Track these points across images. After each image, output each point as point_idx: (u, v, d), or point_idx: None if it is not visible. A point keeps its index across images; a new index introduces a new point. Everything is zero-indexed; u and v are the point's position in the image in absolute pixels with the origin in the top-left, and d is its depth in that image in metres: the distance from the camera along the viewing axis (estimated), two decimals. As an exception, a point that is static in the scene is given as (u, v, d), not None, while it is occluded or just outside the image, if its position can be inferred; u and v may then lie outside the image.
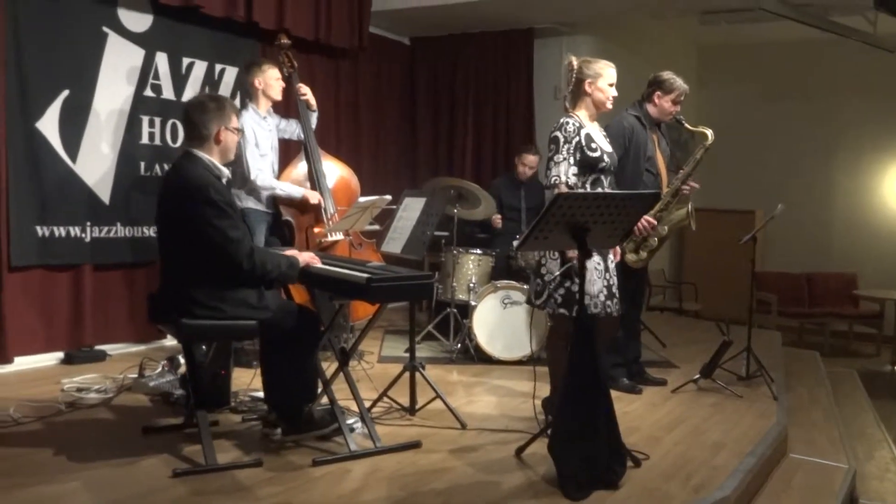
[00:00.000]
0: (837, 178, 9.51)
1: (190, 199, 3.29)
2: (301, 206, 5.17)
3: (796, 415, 4.88)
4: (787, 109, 9.59)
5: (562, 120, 3.72)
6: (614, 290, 3.80)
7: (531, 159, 6.40)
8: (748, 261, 5.33)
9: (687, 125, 4.77)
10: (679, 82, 4.72)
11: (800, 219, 8.80)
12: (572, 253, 3.55)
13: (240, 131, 3.59)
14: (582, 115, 3.77)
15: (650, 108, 4.77)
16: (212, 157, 3.44)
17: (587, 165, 3.70)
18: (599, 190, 3.75)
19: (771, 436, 4.06)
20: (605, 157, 3.75)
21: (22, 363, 4.91)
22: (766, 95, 9.74)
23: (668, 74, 4.73)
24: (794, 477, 3.96)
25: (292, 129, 5.35)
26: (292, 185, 5.15)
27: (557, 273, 3.65)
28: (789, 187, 9.11)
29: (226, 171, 3.53)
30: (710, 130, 4.67)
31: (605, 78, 3.75)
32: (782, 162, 9.60)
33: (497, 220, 6.31)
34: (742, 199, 9.50)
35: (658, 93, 4.72)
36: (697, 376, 4.93)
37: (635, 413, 4.38)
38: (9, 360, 4.81)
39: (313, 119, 5.38)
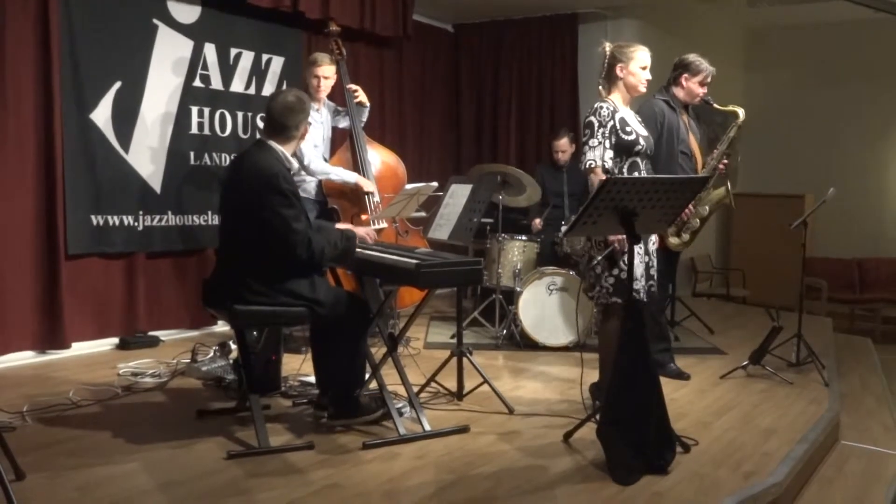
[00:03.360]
0: (889, 161, 9.30)
1: (260, 186, 3.36)
2: (347, 193, 5.21)
3: (848, 401, 4.82)
4: (837, 92, 9.37)
5: (596, 104, 3.74)
6: (652, 272, 3.84)
7: (561, 143, 6.37)
8: (797, 246, 5.25)
9: (716, 105, 4.77)
10: (705, 64, 4.69)
11: (850, 203, 8.61)
12: (613, 238, 3.57)
13: (309, 123, 3.70)
14: (616, 99, 3.79)
15: (677, 91, 4.75)
16: (285, 150, 3.53)
17: (623, 149, 3.72)
18: (636, 174, 3.76)
19: (822, 422, 4.02)
20: (641, 141, 3.77)
21: (79, 348, 5.05)
22: (815, 78, 9.54)
23: (693, 56, 4.71)
24: (846, 464, 3.91)
25: (345, 120, 5.40)
26: (346, 170, 5.20)
27: (599, 258, 3.66)
28: (839, 171, 8.92)
29: (295, 164, 3.63)
30: (741, 109, 4.68)
31: (636, 61, 3.75)
32: (832, 146, 9.40)
33: (537, 223, 6.24)
34: (791, 184, 9.34)
35: (685, 75, 4.71)
36: (746, 362, 4.89)
37: (684, 399, 4.35)
38: (67, 346, 4.94)
39: (364, 113, 5.43)
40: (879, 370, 5.80)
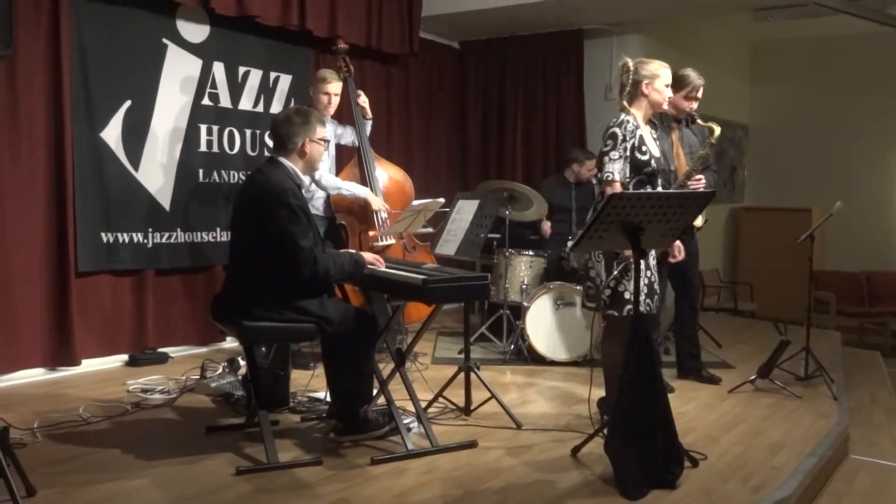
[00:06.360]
0: (897, 174, 9.31)
1: (268, 201, 3.40)
2: (356, 210, 5.24)
3: (857, 415, 4.80)
4: (844, 105, 9.39)
5: (622, 117, 3.74)
6: (655, 287, 3.84)
7: (590, 163, 6.28)
8: (805, 259, 5.25)
9: (699, 121, 4.75)
10: (692, 77, 4.67)
11: (858, 216, 8.61)
12: (628, 252, 3.57)
13: (326, 141, 3.72)
14: (638, 115, 3.80)
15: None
16: (295, 167, 3.57)
17: (634, 167, 3.73)
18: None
19: (832, 436, 4.01)
20: (653, 163, 3.77)
21: (89, 365, 5.07)
22: (821, 92, 9.56)
23: (683, 71, 4.68)
24: (856, 478, 3.90)
25: (348, 136, 5.44)
26: (357, 185, 5.23)
27: (616, 272, 3.67)
28: (846, 185, 8.93)
29: (305, 181, 3.67)
30: (719, 127, 4.60)
31: (661, 79, 3.78)
32: (839, 159, 9.41)
33: (546, 228, 6.28)
34: (798, 198, 9.35)
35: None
36: (755, 376, 4.87)
37: (692, 413, 4.35)
38: (77, 363, 4.96)
39: (368, 126, 5.47)
40: (889, 384, 5.78)
